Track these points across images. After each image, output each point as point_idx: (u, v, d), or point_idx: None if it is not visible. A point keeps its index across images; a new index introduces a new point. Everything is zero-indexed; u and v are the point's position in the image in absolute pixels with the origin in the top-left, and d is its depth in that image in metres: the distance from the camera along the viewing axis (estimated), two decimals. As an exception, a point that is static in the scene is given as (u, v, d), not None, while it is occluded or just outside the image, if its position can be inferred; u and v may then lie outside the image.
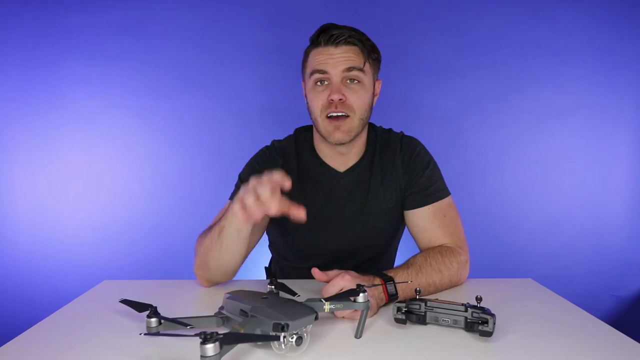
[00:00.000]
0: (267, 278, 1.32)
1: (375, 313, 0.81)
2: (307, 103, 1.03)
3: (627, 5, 2.01)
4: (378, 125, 1.15)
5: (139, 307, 0.74)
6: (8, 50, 2.02)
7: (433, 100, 2.07)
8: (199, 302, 0.92)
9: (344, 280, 0.78)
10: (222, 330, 0.68)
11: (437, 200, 1.03)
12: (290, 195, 1.06)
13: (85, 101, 2.05)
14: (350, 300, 0.71)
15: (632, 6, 2.01)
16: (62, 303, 0.89)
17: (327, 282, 0.82)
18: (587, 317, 0.80)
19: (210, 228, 0.96)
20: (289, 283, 0.87)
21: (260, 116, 2.06)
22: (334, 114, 0.96)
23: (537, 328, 0.75)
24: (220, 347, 0.54)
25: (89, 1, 2.01)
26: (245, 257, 0.97)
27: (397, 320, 0.75)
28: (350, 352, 0.68)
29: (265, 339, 0.62)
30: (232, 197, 1.06)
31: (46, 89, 2.04)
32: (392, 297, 0.83)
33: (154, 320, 0.69)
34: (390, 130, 1.13)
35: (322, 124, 0.98)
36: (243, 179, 1.08)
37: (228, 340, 0.56)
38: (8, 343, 0.71)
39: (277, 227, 1.13)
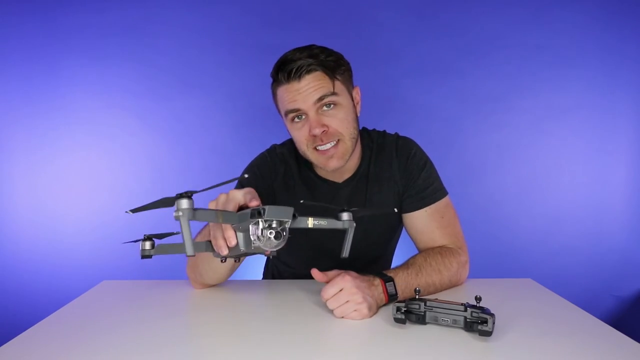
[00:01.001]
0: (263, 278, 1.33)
1: (375, 313, 0.81)
2: (292, 137, 1.00)
3: (626, 6, 2.01)
4: (375, 126, 1.14)
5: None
6: (8, 50, 2.02)
7: (433, 100, 2.07)
8: (199, 301, 0.92)
9: (343, 281, 0.78)
10: (210, 254, 0.73)
11: (434, 202, 1.02)
12: (292, 203, 1.06)
13: (85, 101, 2.05)
14: (335, 219, 0.71)
15: (632, 6, 2.01)
16: (62, 303, 0.89)
17: (327, 282, 0.82)
18: (587, 317, 0.80)
19: (200, 233, 0.95)
20: (288, 282, 0.87)
21: (260, 116, 2.05)
22: (322, 148, 0.93)
23: (537, 328, 0.75)
24: (194, 206, 0.57)
25: (89, 1, 2.01)
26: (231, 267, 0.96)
27: (397, 320, 0.75)
28: (350, 351, 0.68)
29: (243, 218, 0.64)
30: None
31: (46, 89, 2.04)
32: (391, 297, 0.83)
33: (148, 243, 0.68)
34: (384, 132, 1.11)
35: (313, 157, 0.96)
36: (244, 184, 1.07)
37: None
38: (8, 343, 0.71)
39: None
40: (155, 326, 0.77)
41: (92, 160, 2.08)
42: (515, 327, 0.75)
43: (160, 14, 2.03)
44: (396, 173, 1.05)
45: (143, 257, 0.67)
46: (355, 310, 0.78)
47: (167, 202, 0.63)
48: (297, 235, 1.08)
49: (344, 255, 0.73)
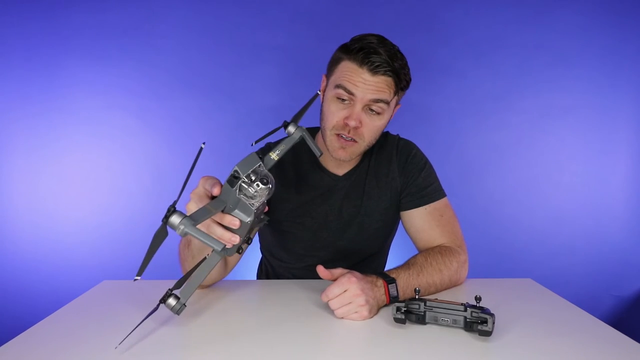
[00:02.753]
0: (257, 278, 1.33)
1: (376, 314, 0.81)
2: (322, 105, 1.00)
3: (627, 6, 2.01)
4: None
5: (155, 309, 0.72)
6: (8, 50, 2.02)
7: (433, 100, 2.07)
8: (199, 302, 0.92)
9: (350, 282, 0.78)
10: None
11: (434, 201, 1.04)
12: (288, 198, 1.07)
13: (85, 101, 2.05)
14: (287, 138, 0.76)
15: (632, 6, 2.01)
16: (62, 303, 0.89)
17: (331, 279, 0.82)
18: (587, 317, 0.80)
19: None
20: (286, 281, 0.87)
21: (260, 117, 2.05)
22: (344, 137, 0.95)
23: (537, 328, 0.75)
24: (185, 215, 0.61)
25: (89, 1, 2.01)
26: (225, 263, 0.97)
27: (397, 320, 0.75)
28: (350, 351, 0.68)
29: (227, 194, 0.68)
30: None
31: (46, 89, 2.04)
32: (393, 299, 0.83)
33: (171, 299, 0.69)
34: (387, 133, 1.13)
35: (329, 139, 0.97)
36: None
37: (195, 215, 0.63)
38: (8, 343, 0.71)
39: (270, 227, 1.13)
40: (155, 326, 0.77)
41: (92, 160, 2.08)
42: (515, 327, 0.75)
43: (160, 14, 2.03)
44: (395, 170, 1.07)
45: (177, 313, 0.69)
46: (356, 312, 0.78)
47: (160, 236, 0.65)
48: (292, 229, 1.09)
49: (319, 154, 0.81)
